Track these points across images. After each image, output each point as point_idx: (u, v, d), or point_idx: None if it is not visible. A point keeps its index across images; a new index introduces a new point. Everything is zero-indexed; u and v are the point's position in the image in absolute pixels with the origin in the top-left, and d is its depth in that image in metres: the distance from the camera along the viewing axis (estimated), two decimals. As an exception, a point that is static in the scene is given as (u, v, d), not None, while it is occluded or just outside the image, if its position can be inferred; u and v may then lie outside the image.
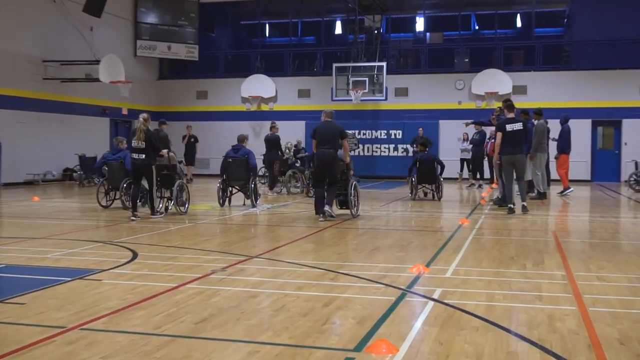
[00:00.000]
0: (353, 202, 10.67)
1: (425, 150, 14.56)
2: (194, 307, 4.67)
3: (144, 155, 10.28)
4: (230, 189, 12.33)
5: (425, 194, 14.57)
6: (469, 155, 19.06)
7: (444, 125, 22.73)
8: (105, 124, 22.02)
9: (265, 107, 24.69)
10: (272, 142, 15.88)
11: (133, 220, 9.88)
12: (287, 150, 17.05)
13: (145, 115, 10.45)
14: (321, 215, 10.20)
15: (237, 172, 12.32)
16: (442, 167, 14.20)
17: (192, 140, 20.94)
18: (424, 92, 23.04)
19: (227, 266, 6.27)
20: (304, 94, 24.14)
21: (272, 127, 16.29)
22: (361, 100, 21.89)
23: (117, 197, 12.00)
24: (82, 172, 18.66)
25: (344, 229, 9.13)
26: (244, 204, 12.39)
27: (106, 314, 4.48)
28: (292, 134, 22.42)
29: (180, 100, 25.40)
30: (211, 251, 7.10)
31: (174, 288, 5.26)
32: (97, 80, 19.19)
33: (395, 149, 23.33)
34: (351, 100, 21.90)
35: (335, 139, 10.47)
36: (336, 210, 10.93)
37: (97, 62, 19.33)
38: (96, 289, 5.24)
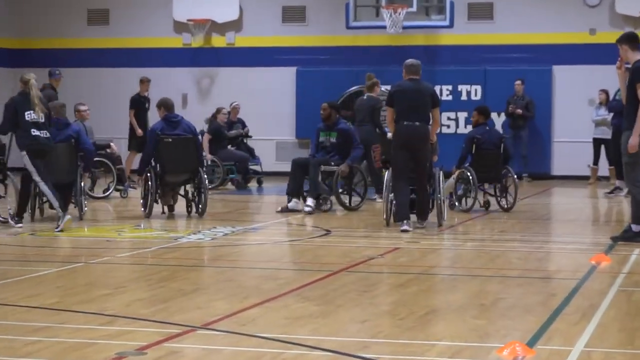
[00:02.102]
0: (440, 205, 11.74)
1: (485, 122, 14.24)
2: None
3: (47, 133, 11.39)
4: (163, 188, 12.92)
5: (487, 204, 14.35)
6: (608, 133, 17.31)
7: (562, 74, 21.33)
8: None
9: (218, 41, 23.03)
10: (368, 111, 15.21)
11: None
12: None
13: (33, 74, 11.41)
14: (405, 222, 11.16)
15: (180, 160, 12.76)
16: (509, 155, 14.22)
17: (145, 103, 19.10)
18: (523, 14, 21.61)
19: (146, 346, 5.72)
20: (293, 16, 22.65)
21: (372, 86, 15.53)
22: (403, 27, 20.53)
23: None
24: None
25: (376, 270, 9.08)
26: (189, 215, 13.16)
27: None
28: (270, 91, 21.89)
29: (57, 28, 23.45)
30: (116, 317, 6.60)
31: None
32: None
33: (469, 120, 19.87)
34: (384, 27, 20.59)
35: (426, 107, 11.33)
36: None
37: None
38: None
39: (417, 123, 11.21)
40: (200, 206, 12.83)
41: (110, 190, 15.50)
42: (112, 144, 15.98)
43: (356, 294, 7.53)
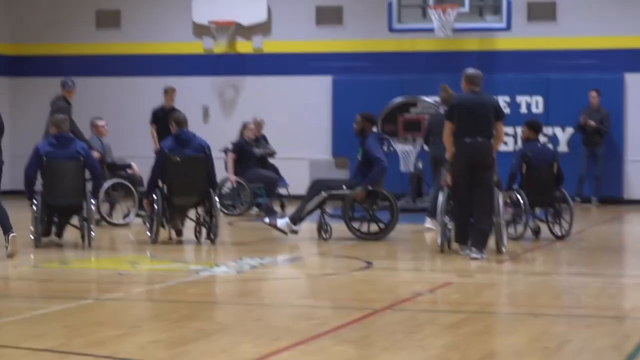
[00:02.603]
0: (500, 229, 11.86)
1: (536, 138, 14.22)
2: None
3: None
4: (170, 211, 13.17)
5: (537, 231, 14.15)
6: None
7: (636, 82, 21.16)
8: None
9: (244, 47, 23.03)
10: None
11: None
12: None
13: None
14: (467, 248, 11.46)
15: (189, 182, 13.03)
16: (562, 176, 14.05)
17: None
18: (590, 14, 21.38)
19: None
20: (328, 17, 22.48)
21: (448, 98, 14.99)
22: (454, 30, 20.72)
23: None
24: None
25: (424, 307, 8.92)
26: (198, 241, 13.30)
27: None
28: (303, 103, 21.91)
29: (62, 32, 23.49)
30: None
31: None
32: None
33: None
34: (432, 30, 20.76)
35: (489, 122, 11.62)
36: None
37: None
38: None
39: (480, 139, 11.44)
40: (211, 232, 12.96)
41: (130, 216, 15.51)
42: (133, 164, 16.08)
43: (402, 336, 7.45)
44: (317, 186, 13.80)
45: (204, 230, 13.19)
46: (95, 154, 14.38)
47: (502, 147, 20.37)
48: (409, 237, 14.33)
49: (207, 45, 22.78)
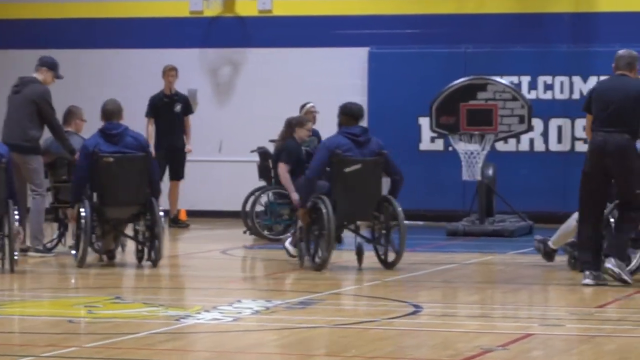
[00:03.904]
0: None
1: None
2: None
3: None
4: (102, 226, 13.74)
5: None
6: None
7: None
8: None
9: (245, 7, 23.16)
10: None
11: None
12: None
13: None
14: (592, 274, 12.06)
15: (126, 188, 13.58)
16: None
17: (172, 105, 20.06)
18: None
19: None
20: None
21: None
22: None
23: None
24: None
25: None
26: (140, 264, 13.82)
27: None
28: (329, 83, 21.87)
29: None
30: None
31: None
32: None
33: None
34: None
35: (631, 114, 12.10)
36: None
37: None
38: None
39: (615, 134, 11.85)
40: (153, 252, 13.37)
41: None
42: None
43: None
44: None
45: (145, 252, 13.62)
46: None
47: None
48: (474, 271, 14.29)
49: (195, 5, 22.96)
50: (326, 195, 13.87)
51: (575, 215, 13.70)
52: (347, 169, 14.23)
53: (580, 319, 11.10)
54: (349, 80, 21.85)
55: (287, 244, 14.68)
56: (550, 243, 14.34)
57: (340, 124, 14.63)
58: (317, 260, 14.33)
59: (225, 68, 23.13)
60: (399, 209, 14.14)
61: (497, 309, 11.97)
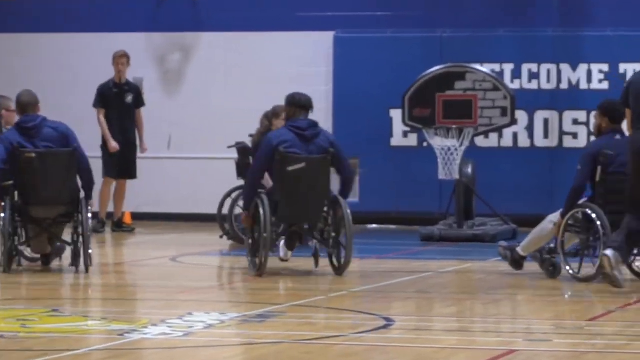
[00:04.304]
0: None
1: (613, 129, 14.32)
2: None
3: None
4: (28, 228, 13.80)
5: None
6: None
7: None
8: None
9: None
10: None
11: None
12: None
13: None
14: (618, 257, 12.32)
15: (50, 186, 13.62)
16: None
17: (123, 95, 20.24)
18: None
19: None
20: None
21: None
22: None
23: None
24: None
25: None
26: (77, 270, 13.91)
27: None
28: (291, 72, 21.95)
29: None
30: None
31: None
32: None
33: None
34: None
35: None
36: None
37: None
38: None
39: None
40: (81, 257, 13.51)
41: None
42: None
43: None
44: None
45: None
46: None
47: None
48: (451, 281, 14.33)
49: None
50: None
51: (551, 218, 13.77)
52: (290, 168, 14.41)
53: (570, 334, 11.11)
54: (312, 68, 21.95)
55: (282, 245, 14.77)
56: (519, 249, 14.50)
57: (287, 117, 14.71)
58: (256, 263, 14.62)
59: (175, 54, 23.20)
60: (348, 210, 14.28)
61: (476, 323, 11.95)
